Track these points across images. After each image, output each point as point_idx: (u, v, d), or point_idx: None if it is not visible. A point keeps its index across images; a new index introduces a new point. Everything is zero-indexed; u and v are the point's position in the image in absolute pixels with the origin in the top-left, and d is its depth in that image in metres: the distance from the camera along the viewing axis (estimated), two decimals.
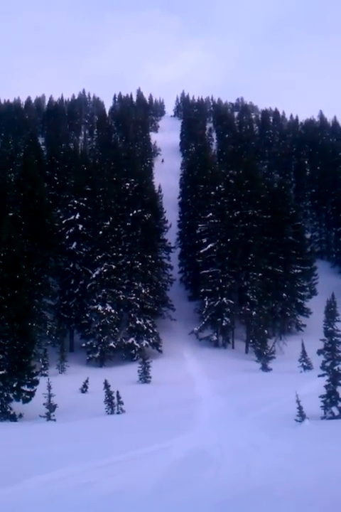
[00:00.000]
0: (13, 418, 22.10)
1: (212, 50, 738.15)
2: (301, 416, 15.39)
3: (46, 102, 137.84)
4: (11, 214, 37.69)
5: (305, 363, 29.65)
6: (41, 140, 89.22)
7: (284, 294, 45.68)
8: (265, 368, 32.37)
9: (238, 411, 19.09)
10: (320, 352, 17.42)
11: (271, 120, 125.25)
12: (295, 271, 47.20)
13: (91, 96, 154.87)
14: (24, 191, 39.36)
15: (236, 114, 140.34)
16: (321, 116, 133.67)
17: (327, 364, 16.96)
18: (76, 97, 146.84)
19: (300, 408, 15.35)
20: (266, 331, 36.84)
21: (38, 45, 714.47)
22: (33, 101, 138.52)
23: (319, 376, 17.29)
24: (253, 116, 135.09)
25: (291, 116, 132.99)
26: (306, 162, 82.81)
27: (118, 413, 21.79)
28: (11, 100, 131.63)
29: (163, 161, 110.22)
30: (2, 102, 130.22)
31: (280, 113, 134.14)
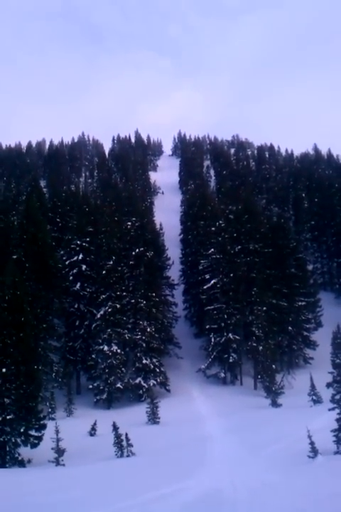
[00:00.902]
0: (21, 464, 21.77)
1: (204, 88, 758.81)
2: (314, 452, 15.16)
3: (47, 146, 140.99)
4: (14, 257, 38.19)
5: (314, 397, 29.21)
6: (43, 183, 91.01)
7: (290, 327, 45.50)
8: (274, 404, 31.89)
9: (250, 449, 18.78)
10: (329, 385, 17.27)
11: (267, 155, 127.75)
12: (300, 303, 47.14)
13: (91, 138, 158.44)
14: (27, 234, 39.83)
15: (232, 150, 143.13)
16: (316, 149, 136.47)
17: (337, 397, 16.76)
18: (76, 140, 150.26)
19: (312, 444, 15.14)
20: (273, 366, 36.44)
21: (36, 90, 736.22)
22: (33, 145, 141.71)
23: (329, 410, 17.06)
24: (249, 152, 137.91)
25: (286, 150, 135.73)
26: (304, 195, 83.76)
27: (128, 456, 21.39)
28: (12, 145, 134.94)
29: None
30: (4, 147, 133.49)
31: (276, 148, 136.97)
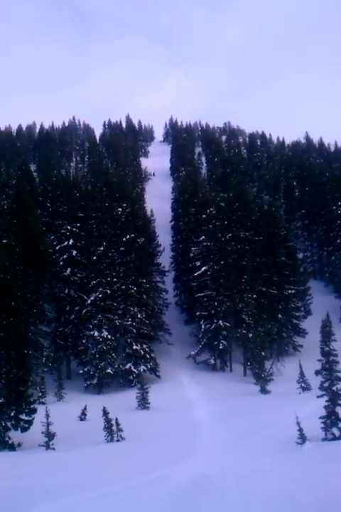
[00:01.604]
0: (11, 447, 21.82)
1: (195, 76, 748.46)
2: (302, 438, 15.32)
3: (37, 130, 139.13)
4: (4, 241, 37.77)
5: (303, 384, 29.61)
6: (33, 167, 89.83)
7: (279, 315, 45.88)
8: (264, 391, 32.25)
9: (238, 435, 18.99)
10: (317, 372, 17.43)
11: (259, 143, 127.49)
12: (289, 291, 47.48)
13: (82, 123, 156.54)
14: (17, 218, 39.47)
15: (224, 138, 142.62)
16: (307, 137, 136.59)
17: (326, 384, 16.93)
18: (66, 124, 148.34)
19: (300, 430, 15.28)
20: (263, 353, 36.80)
21: (26, 76, 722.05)
22: (24, 128, 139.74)
23: (318, 397, 17.26)
24: (241, 140, 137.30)
25: (278, 138, 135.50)
26: (294, 183, 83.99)
27: (117, 440, 21.55)
28: (2, 128, 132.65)
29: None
30: None
31: (267, 136, 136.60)
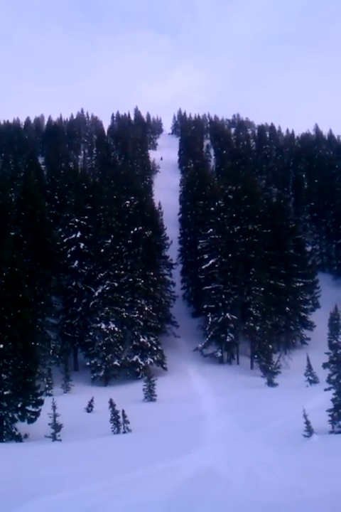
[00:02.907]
0: (18, 439, 21.97)
1: (203, 68, 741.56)
2: (309, 431, 15.25)
3: (45, 122, 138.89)
4: (12, 233, 38.07)
5: (310, 377, 29.54)
6: (41, 160, 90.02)
7: (287, 308, 45.71)
8: (271, 383, 32.20)
9: (245, 428, 18.95)
10: (325, 365, 17.34)
11: (268, 135, 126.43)
12: (297, 284, 47.30)
13: (90, 115, 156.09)
14: (25, 211, 39.65)
15: (233, 130, 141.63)
16: (317, 129, 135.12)
17: (333, 377, 16.87)
18: (74, 117, 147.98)
19: (307, 423, 15.21)
20: (270, 346, 36.71)
21: (34, 68, 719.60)
22: (32, 121, 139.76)
23: (325, 390, 17.19)
24: (250, 132, 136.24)
25: (287, 130, 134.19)
26: (304, 176, 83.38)
27: (124, 432, 21.62)
28: (10, 120, 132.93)
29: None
30: (1, 122, 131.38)
31: (277, 128, 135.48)
